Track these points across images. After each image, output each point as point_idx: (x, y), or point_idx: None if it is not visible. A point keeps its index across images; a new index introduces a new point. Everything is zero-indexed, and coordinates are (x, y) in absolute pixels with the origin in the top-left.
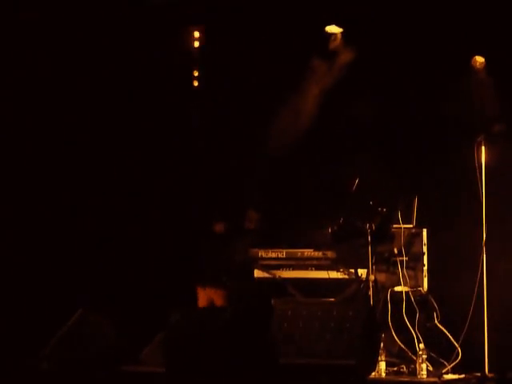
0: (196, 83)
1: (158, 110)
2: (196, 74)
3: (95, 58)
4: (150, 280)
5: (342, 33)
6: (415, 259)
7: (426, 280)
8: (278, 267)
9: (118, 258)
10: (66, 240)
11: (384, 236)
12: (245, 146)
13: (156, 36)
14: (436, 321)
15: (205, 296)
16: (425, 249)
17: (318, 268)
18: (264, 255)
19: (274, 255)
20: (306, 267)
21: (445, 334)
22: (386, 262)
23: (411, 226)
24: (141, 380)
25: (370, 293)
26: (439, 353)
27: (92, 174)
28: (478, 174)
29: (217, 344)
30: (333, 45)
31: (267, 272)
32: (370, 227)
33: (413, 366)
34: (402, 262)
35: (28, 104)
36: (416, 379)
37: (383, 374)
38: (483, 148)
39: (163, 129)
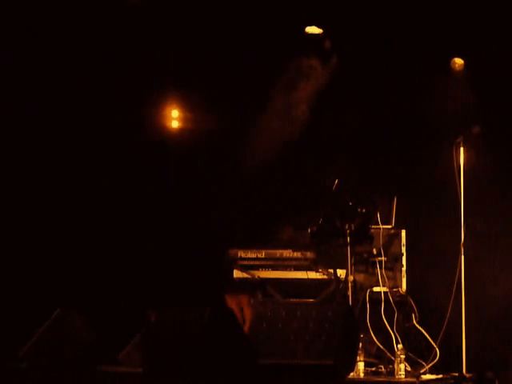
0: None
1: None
2: None
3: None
4: (129, 280)
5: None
6: (394, 260)
7: (404, 280)
8: (257, 267)
9: (97, 258)
10: (43, 240)
11: (363, 237)
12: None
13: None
14: (414, 321)
15: (234, 304)
16: (403, 249)
17: (297, 268)
18: (243, 255)
19: (253, 255)
20: (285, 268)
21: (423, 334)
22: (364, 263)
23: (390, 226)
24: (119, 380)
25: (349, 293)
26: (417, 353)
27: (73, 174)
28: (456, 175)
29: (195, 344)
30: (328, 44)
31: (246, 272)
32: (349, 228)
33: (391, 366)
34: (380, 262)
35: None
36: (394, 379)
37: (361, 374)
38: (462, 149)
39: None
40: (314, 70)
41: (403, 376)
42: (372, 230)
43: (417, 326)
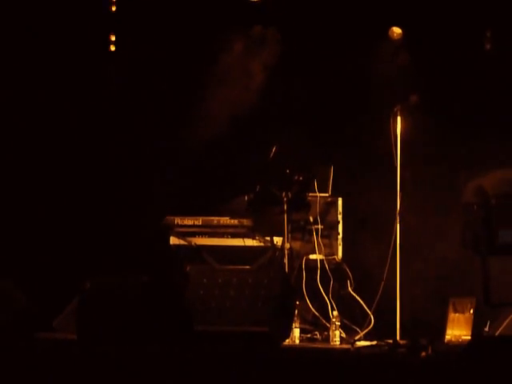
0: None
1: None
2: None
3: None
4: (64, 246)
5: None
6: (330, 228)
7: (340, 248)
8: (194, 234)
9: (32, 224)
10: None
11: (300, 204)
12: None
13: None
14: (350, 288)
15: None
16: (340, 217)
17: (234, 236)
18: (180, 222)
19: (190, 222)
20: (221, 235)
21: (358, 301)
22: (301, 230)
23: (327, 194)
24: (53, 347)
25: (285, 260)
26: (352, 320)
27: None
28: (393, 143)
29: (131, 312)
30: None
31: (183, 239)
32: (287, 195)
33: (326, 333)
34: (317, 230)
35: None
36: (329, 346)
37: (297, 341)
38: (399, 118)
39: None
40: (272, 38)
41: (338, 342)
42: (309, 198)
43: (352, 293)
